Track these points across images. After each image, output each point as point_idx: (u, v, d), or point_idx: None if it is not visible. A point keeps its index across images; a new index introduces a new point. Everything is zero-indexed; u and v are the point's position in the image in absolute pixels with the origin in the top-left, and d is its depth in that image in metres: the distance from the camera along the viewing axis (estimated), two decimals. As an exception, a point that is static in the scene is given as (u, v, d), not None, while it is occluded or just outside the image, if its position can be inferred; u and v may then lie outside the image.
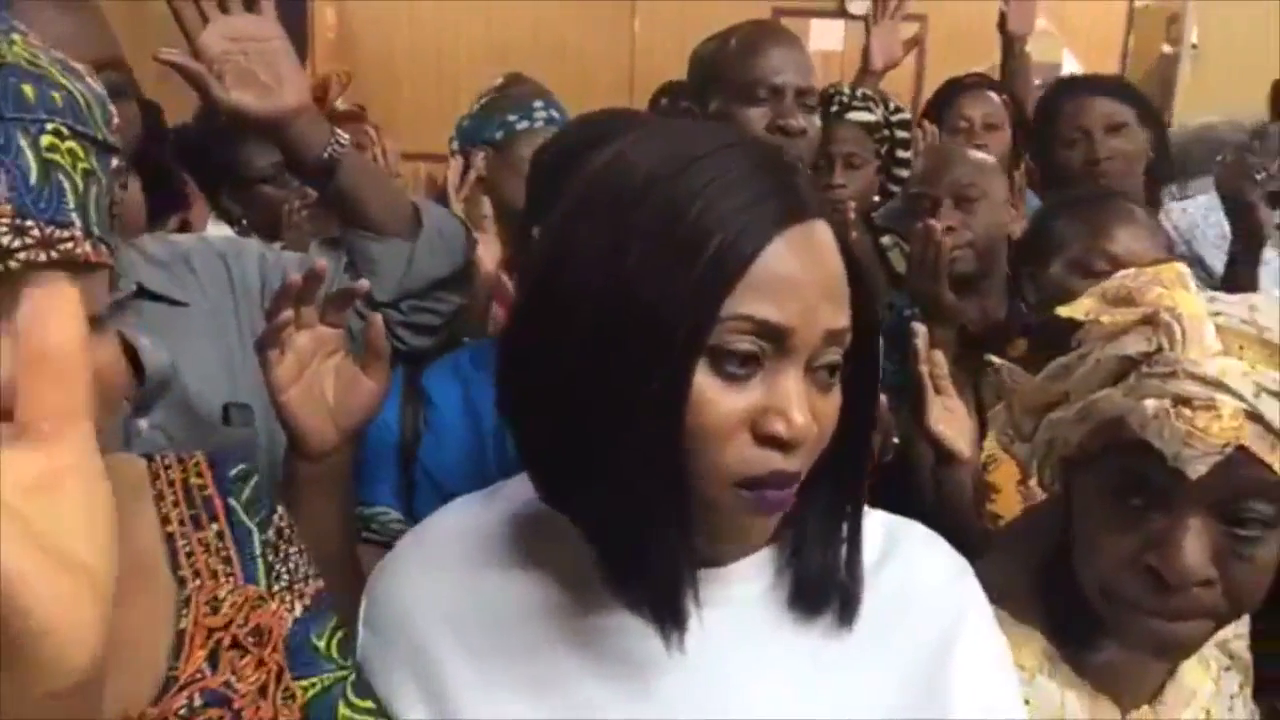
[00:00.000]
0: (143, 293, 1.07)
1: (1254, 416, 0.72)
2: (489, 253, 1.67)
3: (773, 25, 1.60)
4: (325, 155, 1.11)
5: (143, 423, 1.03)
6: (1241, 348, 0.74)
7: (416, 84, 4.68)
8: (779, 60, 1.45)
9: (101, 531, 0.37)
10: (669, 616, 0.63)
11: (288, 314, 0.91)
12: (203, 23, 1.06)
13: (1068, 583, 0.83)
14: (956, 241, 1.62)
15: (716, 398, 0.59)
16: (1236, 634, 0.93)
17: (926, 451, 1.27)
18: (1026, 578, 0.87)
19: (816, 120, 1.51)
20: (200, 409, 1.08)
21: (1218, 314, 0.76)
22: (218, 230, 2.13)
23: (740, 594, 0.69)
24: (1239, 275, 1.64)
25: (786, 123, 1.43)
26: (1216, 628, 0.80)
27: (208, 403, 1.08)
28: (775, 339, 0.59)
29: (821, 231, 0.61)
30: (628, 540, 0.63)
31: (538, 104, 1.84)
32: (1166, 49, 3.47)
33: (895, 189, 2.07)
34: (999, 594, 0.80)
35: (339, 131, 1.14)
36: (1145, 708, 0.85)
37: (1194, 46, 3.73)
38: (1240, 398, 0.72)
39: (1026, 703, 0.79)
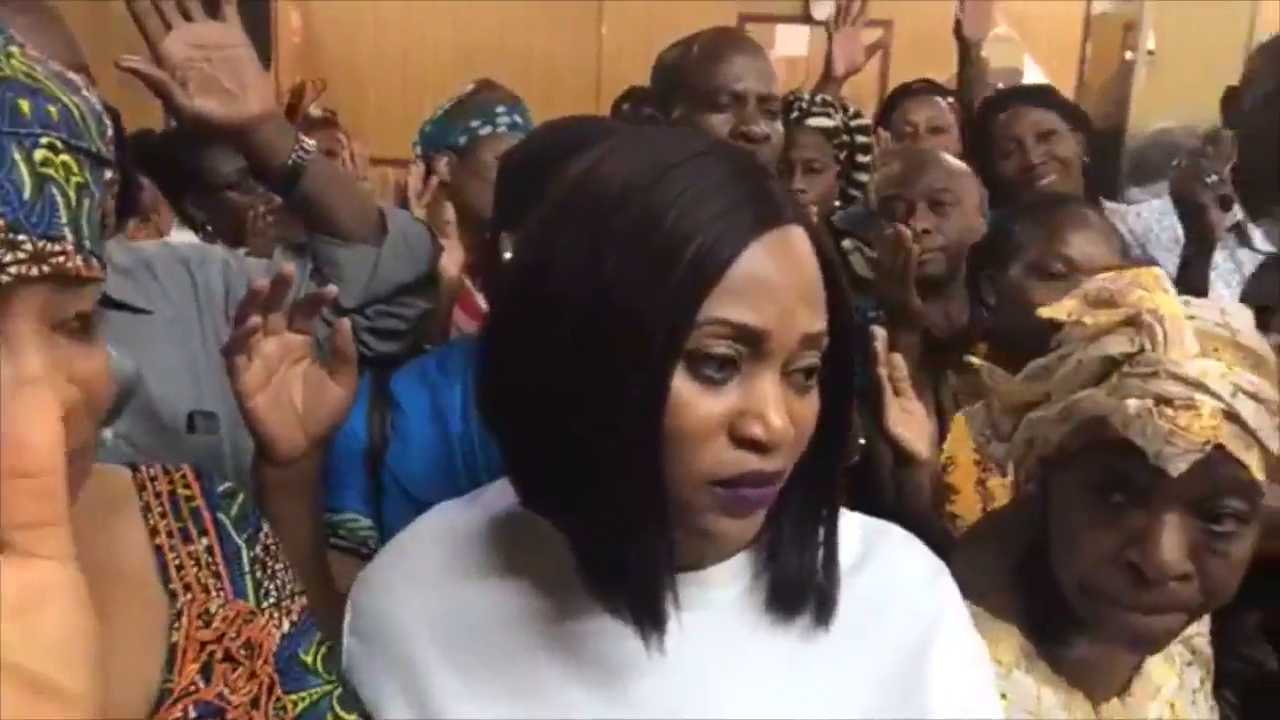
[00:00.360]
0: (105, 301, 1.06)
1: (1231, 416, 0.75)
2: (451, 258, 1.68)
3: (735, 33, 1.63)
4: (290, 161, 1.11)
5: (107, 432, 1.02)
6: (1217, 350, 0.77)
7: (382, 88, 4.66)
8: (741, 67, 1.47)
9: (82, 651, 0.36)
10: (648, 619, 0.63)
11: (255, 320, 0.90)
12: (165, 29, 1.05)
13: (1044, 579, 0.85)
14: (929, 245, 1.66)
15: (694, 401, 0.60)
16: (1198, 630, 0.96)
17: (887, 453, 1.29)
18: (1003, 575, 0.89)
19: (779, 126, 1.53)
20: (165, 417, 1.07)
21: (1193, 317, 0.79)
22: (182, 237, 2.12)
23: (718, 597, 0.69)
24: (1191, 277, 1.68)
25: (749, 129, 1.44)
26: (1189, 621, 0.82)
27: (172, 410, 1.07)
28: (752, 343, 0.60)
29: (797, 236, 0.62)
30: (608, 543, 0.63)
31: (501, 109, 1.84)
32: (1129, 55, 3.53)
33: (855, 194, 2.10)
34: (976, 591, 0.81)
35: (304, 138, 1.14)
36: (1115, 701, 0.87)
37: (1151, 53, 3.80)
38: (1219, 398, 0.75)
39: (1004, 697, 0.80)
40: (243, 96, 1.06)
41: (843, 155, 2.08)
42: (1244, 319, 0.81)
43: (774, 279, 0.60)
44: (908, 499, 1.26)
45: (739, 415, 0.60)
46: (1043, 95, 2.22)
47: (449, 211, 1.97)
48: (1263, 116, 1.86)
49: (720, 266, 0.59)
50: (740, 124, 1.45)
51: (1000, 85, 2.72)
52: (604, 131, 0.97)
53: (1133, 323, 0.79)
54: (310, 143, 1.14)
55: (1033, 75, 3.85)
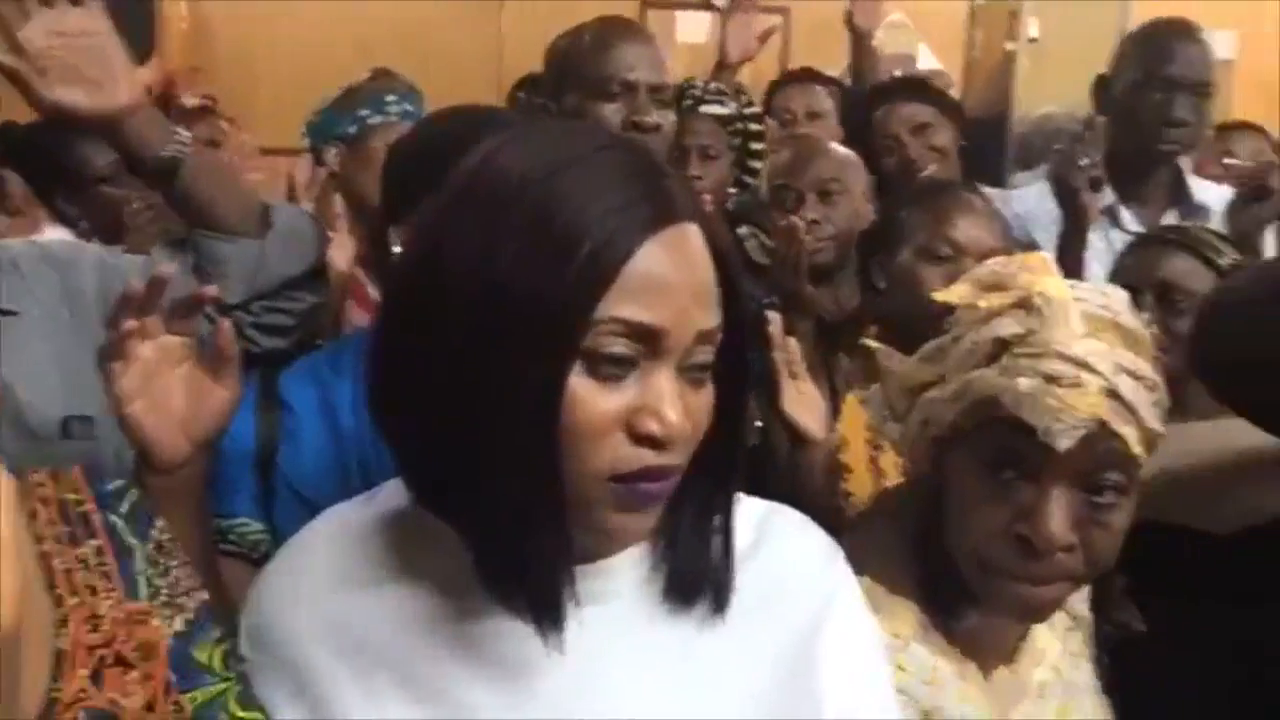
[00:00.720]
0: (-34, 302, 1.01)
1: (1113, 394, 0.79)
2: (342, 251, 1.64)
3: (625, 21, 1.62)
4: (166, 154, 1.07)
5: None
6: (1100, 330, 0.81)
7: (276, 77, 4.50)
8: (632, 56, 1.47)
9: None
10: (547, 616, 0.63)
11: (130, 324, 0.87)
12: (24, 17, 1.00)
13: (938, 554, 0.87)
14: (819, 235, 1.69)
15: (591, 398, 0.60)
16: (1079, 596, 1.00)
17: (782, 434, 1.32)
18: (898, 551, 0.91)
19: (671, 115, 1.54)
20: (35, 423, 1.03)
21: (1078, 299, 0.82)
22: (56, 235, 2.02)
23: (617, 589, 0.69)
24: (1067, 257, 1.75)
25: (641, 119, 1.45)
26: (1074, 590, 0.87)
27: (42, 415, 1.03)
28: (648, 340, 0.60)
29: (692, 234, 0.62)
30: (504, 542, 0.62)
31: (392, 98, 1.80)
32: (1010, 45, 3.65)
33: (750, 181, 2.13)
34: (873, 568, 0.84)
35: (180, 130, 1.10)
36: (1004, 668, 0.90)
37: (1034, 40, 3.92)
38: (1102, 376, 0.78)
39: (902, 669, 0.83)
40: (108, 86, 1.02)
41: (737, 142, 2.10)
42: (1123, 301, 0.85)
43: (669, 277, 0.60)
44: (803, 478, 1.30)
45: (635, 412, 0.61)
46: (916, 88, 2.27)
47: (339, 204, 1.93)
48: (1130, 103, 1.95)
49: (616, 264, 0.59)
50: (632, 113, 1.45)
51: (897, 72, 2.79)
52: (494, 122, 0.97)
53: (1022, 305, 0.82)
54: (186, 134, 1.10)
55: (927, 61, 3.94)
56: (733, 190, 2.15)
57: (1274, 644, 1.24)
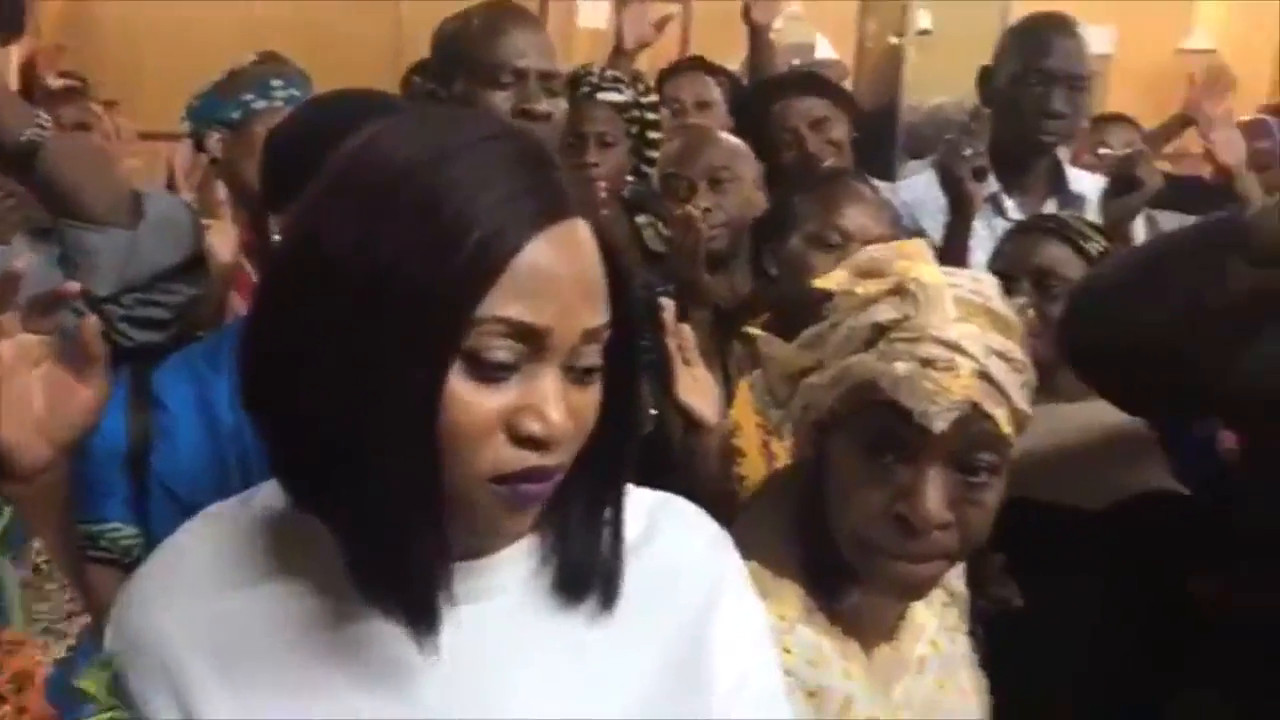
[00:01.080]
0: None
1: (984, 376, 0.81)
2: (225, 240, 1.58)
3: (513, 6, 1.60)
4: (24, 138, 1.02)
5: None
6: (972, 315, 0.83)
7: (160, 58, 4.32)
8: (522, 43, 1.46)
9: None
10: (419, 619, 0.62)
11: None
12: None
13: (821, 536, 0.89)
14: (712, 222, 1.71)
15: (471, 399, 0.58)
16: (954, 572, 1.03)
17: (677, 420, 1.33)
18: (784, 534, 0.92)
19: (562, 103, 1.53)
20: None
21: (952, 285, 0.85)
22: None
23: (502, 584, 0.68)
24: (952, 244, 1.80)
25: (531, 107, 1.43)
26: (950, 566, 0.89)
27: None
28: (532, 340, 0.59)
29: (581, 230, 0.61)
30: (378, 543, 0.61)
31: (277, 82, 1.74)
32: (893, 39, 3.74)
33: (648, 169, 2.13)
34: (759, 551, 0.85)
35: (40, 112, 1.05)
36: (885, 645, 0.93)
37: (926, 32, 4.01)
38: (975, 359, 0.81)
39: (788, 651, 0.84)
40: None
41: (635, 130, 2.10)
42: (994, 286, 0.88)
43: (555, 275, 0.59)
44: (697, 464, 1.32)
45: (517, 412, 0.59)
46: (809, 82, 2.31)
47: (222, 190, 1.86)
48: (1011, 94, 2.01)
49: (503, 258, 0.57)
50: (522, 101, 1.44)
51: (795, 62, 2.83)
52: (377, 107, 0.94)
53: (898, 291, 0.84)
54: (45, 117, 1.04)
55: (824, 51, 4.01)
56: (631, 179, 2.15)
57: (1141, 611, 1.31)
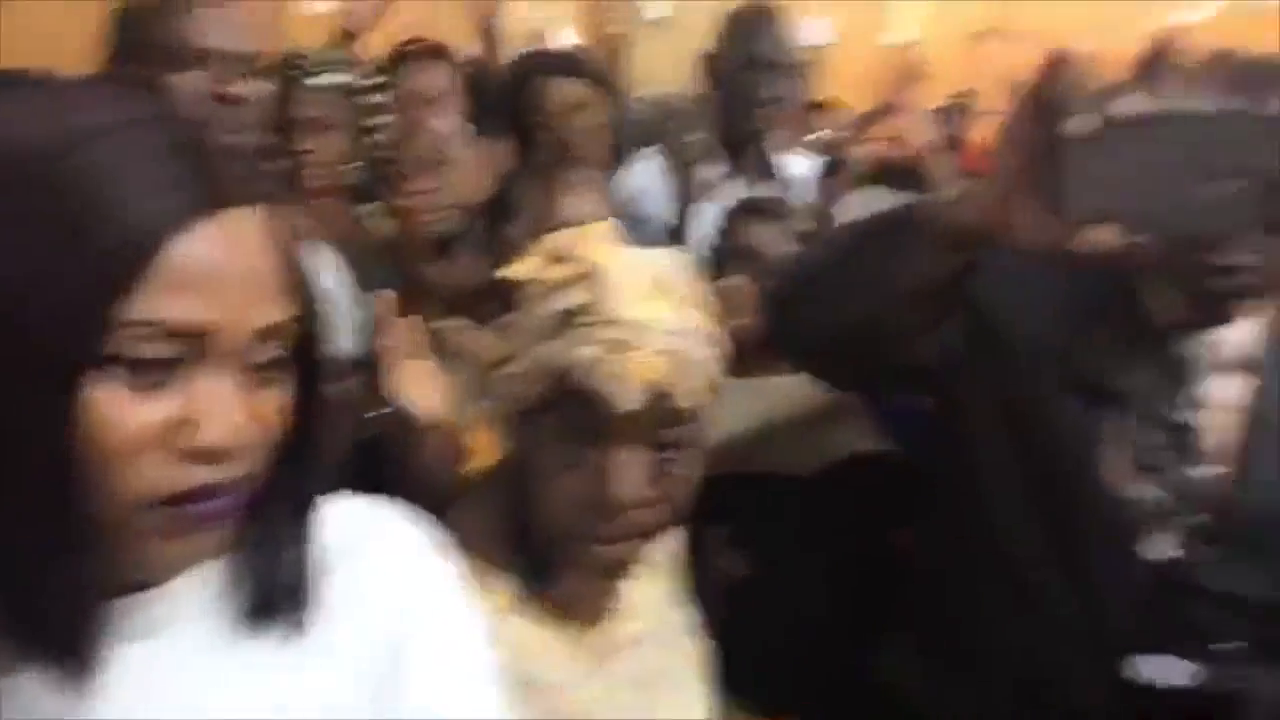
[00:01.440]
0: None
1: (669, 354, 0.82)
2: None
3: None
4: None
5: None
6: (656, 295, 0.84)
7: None
8: (211, 21, 1.34)
9: None
10: (72, 663, 0.55)
11: None
12: None
13: (529, 526, 0.88)
14: (433, 206, 1.66)
15: (120, 414, 0.52)
16: (662, 546, 1.05)
17: (398, 420, 1.28)
18: (494, 526, 0.91)
19: (266, 86, 1.43)
20: None
21: (636, 265, 0.85)
22: None
23: (184, 613, 0.62)
24: (678, 228, 1.86)
25: (224, 90, 1.32)
26: (650, 541, 0.90)
27: None
28: (191, 342, 0.53)
29: (247, 220, 0.56)
30: (12, 580, 0.54)
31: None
32: (612, 29, 3.81)
33: (373, 155, 2.06)
34: (472, 545, 0.83)
35: None
36: (599, 626, 0.94)
37: (657, 20, 4.11)
38: (659, 338, 0.81)
39: (500, 643, 0.82)
40: None
41: (358, 115, 2.02)
42: (681, 264, 0.89)
43: (216, 270, 0.54)
44: (422, 461, 1.27)
45: (180, 424, 0.54)
46: (570, 65, 2.26)
47: None
48: (727, 81, 2.10)
49: (144, 257, 0.51)
50: (215, 84, 1.33)
51: (537, 46, 2.79)
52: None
53: (584, 276, 0.84)
54: None
55: (567, 38, 4.01)
56: (355, 165, 2.06)
57: (852, 565, 1.41)
